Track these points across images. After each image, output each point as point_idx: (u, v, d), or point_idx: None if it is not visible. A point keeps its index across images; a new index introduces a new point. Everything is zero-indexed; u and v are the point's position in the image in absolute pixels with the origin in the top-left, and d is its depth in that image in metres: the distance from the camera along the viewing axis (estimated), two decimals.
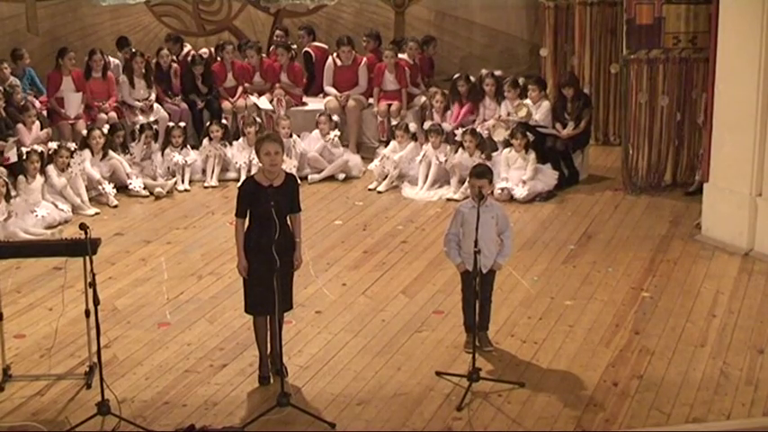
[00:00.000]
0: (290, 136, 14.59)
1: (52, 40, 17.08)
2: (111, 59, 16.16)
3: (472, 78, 15.19)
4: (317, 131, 14.99)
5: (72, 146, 13.78)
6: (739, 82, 11.34)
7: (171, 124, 14.97)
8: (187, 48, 16.87)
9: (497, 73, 15.14)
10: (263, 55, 16.60)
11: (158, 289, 10.87)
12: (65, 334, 9.57)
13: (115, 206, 13.64)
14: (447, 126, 14.61)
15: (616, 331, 9.63)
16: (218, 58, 16.42)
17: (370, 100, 16.05)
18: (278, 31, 17.39)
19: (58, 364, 9.07)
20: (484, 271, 8.96)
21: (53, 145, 13.52)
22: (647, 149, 13.79)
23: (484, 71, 15.34)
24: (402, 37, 17.07)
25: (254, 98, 15.89)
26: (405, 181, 14.32)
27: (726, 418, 8.10)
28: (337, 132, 14.89)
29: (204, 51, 16.82)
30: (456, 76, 15.32)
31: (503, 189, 13.45)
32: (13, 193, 12.61)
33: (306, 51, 16.98)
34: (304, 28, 17.22)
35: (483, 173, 9.03)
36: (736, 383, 8.59)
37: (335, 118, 15.11)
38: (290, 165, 13.64)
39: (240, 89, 16.05)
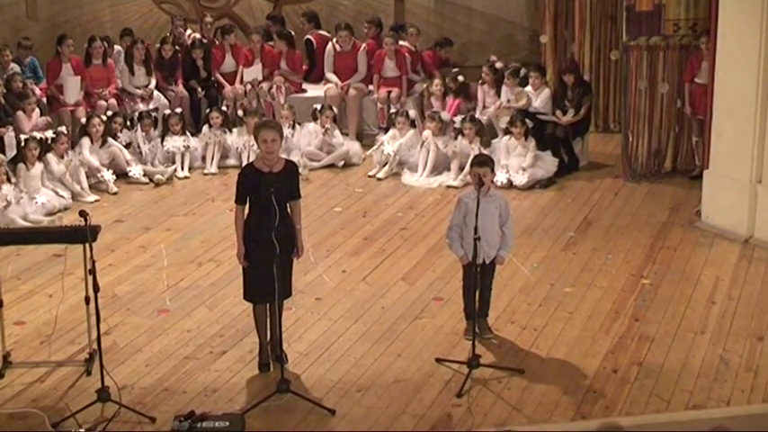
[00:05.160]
0: (293, 127, 14.61)
1: (52, 27, 17.07)
2: (116, 47, 16.18)
3: (461, 78, 15.18)
4: (313, 124, 14.95)
5: (62, 129, 13.78)
6: (739, 69, 11.32)
7: (168, 112, 14.97)
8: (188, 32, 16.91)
9: (498, 65, 15.11)
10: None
11: (158, 276, 10.88)
12: (65, 321, 9.57)
13: (115, 193, 13.64)
14: (445, 115, 14.56)
15: (616, 318, 9.64)
16: (216, 41, 16.42)
17: (370, 87, 16.04)
18: (267, 21, 17.33)
19: (58, 351, 9.08)
20: (486, 261, 8.97)
21: (49, 134, 13.52)
22: (647, 136, 13.79)
23: (493, 58, 15.34)
24: (402, 23, 17.05)
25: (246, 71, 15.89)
26: (404, 168, 14.31)
27: (725, 404, 8.11)
28: (334, 127, 14.89)
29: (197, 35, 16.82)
30: (452, 72, 15.34)
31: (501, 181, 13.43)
32: (13, 180, 12.62)
33: (307, 39, 16.96)
34: (306, 15, 17.20)
35: (484, 161, 9.04)
36: (736, 370, 8.60)
37: (335, 110, 15.08)
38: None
39: (239, 74, 16.07)
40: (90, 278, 8.04)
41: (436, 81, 15.15)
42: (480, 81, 15.09)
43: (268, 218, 8.19)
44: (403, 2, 17.97)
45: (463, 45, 17.74)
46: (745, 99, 11.26)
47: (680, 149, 13.96)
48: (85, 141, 13.86)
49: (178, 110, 15.03)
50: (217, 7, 18.09)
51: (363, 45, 16.20)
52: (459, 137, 13.97)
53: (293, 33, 16.84)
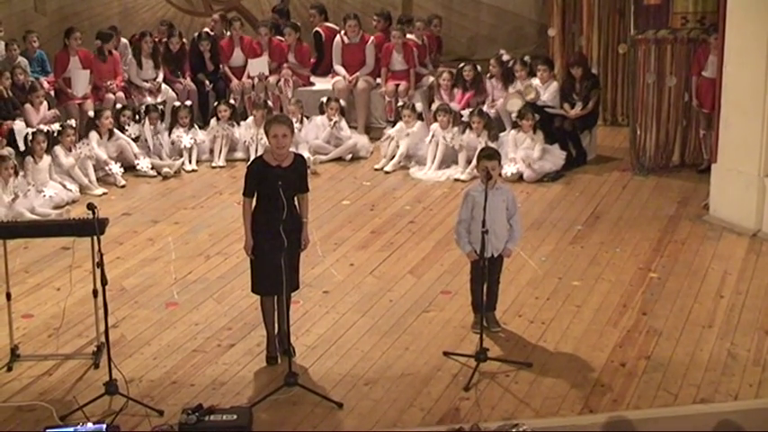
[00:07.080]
0: (301, 121, 14.59)
1: (60, 20, 17.07)
2: (122, 39, 16.17)
3: (479, 68, 15.18)
4: (321, 117, 14.95)
5: (72, 122, 13.80)
6: (747, 63, 11.29)
7: (177, 104, 14.96)
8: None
9: (505, 57, 15.09)
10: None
11: (166, 269, 10.88)
12: (72, 314, 9.58)
13: (123, 186, 13.65)
14: (455, 106, 14.56)
15: (624, 312, 9.63)
16: (228, 34, 16.40)
17: (378, 80, 16.02)
18: (272, 14, 17.29)
19: (66, 344, 9.09)
20: (495, 255, 8.97)
21: (56, 126, 13.54)
22: (655, 130, 13.77)
23: (501, 51, 15.31)
24: (410, 16, 17.02)
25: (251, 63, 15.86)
26: (412, 161, 14.29)
27: (733, 398, 8.10)
28: (341, 119, 14.88)
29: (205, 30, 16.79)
30: (462, 64, 15.33)
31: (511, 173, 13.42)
32: (21, 173, 12.65)
33: (316, 31, 16.93)
34: (315, 7, 17.16)
35: (491, 155, 9.02)
36: (744, 364, 8.59)
37: (343, 103, 15.07)
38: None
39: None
40: (98, 271, 8.05)
41: (445, 75, 15.12)
42: (489, 75, 15.08)
43: (276, 211, 8.22)
44: None
45: (471, 38, 17.75)
46: (754, 93, 11.24)
47: (688, 143, 13.94)
48: (93, 134, 13.87)
49: (188, 102, 15.03)
50: (225, 0, 18.06)
51: (372, 38, 16.16)
52: (467, 130, 13.95)
53: (300, 25, 16.82)
